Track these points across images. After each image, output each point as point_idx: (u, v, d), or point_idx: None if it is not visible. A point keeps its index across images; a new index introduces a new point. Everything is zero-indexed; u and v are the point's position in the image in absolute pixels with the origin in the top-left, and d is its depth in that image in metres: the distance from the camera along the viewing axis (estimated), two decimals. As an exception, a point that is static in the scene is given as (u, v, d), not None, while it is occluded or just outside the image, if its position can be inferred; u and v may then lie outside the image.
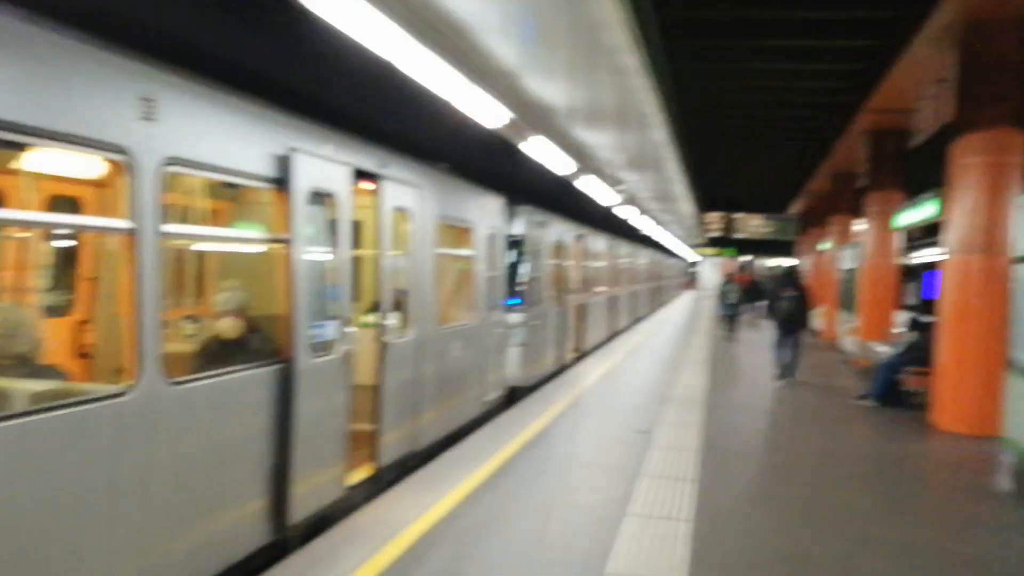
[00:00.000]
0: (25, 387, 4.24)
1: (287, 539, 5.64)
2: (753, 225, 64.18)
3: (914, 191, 15.34)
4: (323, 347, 6.09)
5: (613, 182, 19.15)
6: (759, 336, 21.77)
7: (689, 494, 7.06)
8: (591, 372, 14.82)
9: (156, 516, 4.36)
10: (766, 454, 9.01)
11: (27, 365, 4.64)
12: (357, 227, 7.01)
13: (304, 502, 5.72)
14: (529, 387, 12.76)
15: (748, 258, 60.73)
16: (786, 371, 14.47)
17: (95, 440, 3.96)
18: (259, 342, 5.92)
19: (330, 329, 6.25)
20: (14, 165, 5.08)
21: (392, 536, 5.75)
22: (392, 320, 7.37)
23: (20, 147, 3.96)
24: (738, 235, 60.43)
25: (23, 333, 4.70)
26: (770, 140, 21.65)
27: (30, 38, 3.71)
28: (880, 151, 17.25)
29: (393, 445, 7.33)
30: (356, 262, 6.91)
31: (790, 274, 15.42)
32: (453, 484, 7.08)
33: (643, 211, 27.27)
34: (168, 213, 4.58)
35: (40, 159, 5.15)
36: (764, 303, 17.24)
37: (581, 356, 17.38)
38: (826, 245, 25.97)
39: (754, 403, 12.66)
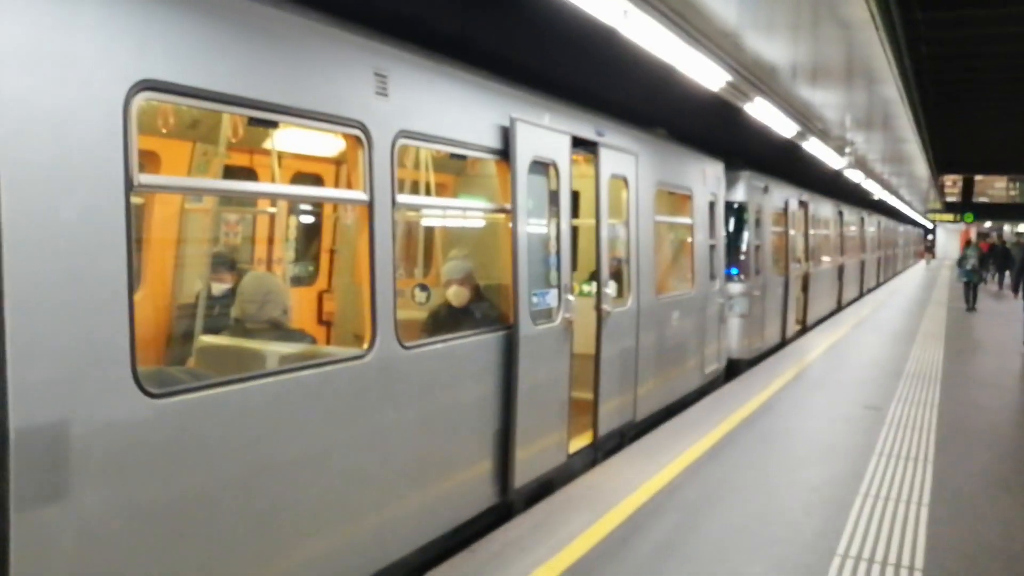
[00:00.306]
0: (277, 349, 4.57)
1: (511, 503, 5.77)
2: (996, 188, 59.06)
3: None
4: (545, 315, 6.15)
5: (839, 144, 18.11)
6: (1004, 307, 19.97)
7: (925, 476, 6.60)
8: (816, 345, 14.17)
9: (392, 473, 4.57)
10: (1013, 436, 8.24)
11: (279, 329, 5.00)
12: (576, 196, 7.03)
13: (527, 467, 5.82)
14: (750, 360, 12.37)
15: (989, 224, 56.00)
16: None
17: (338, 398, 4.19)
18: (484, 309, 6.07)
19: (551, 297, 6.31)
20: (266, 144, 5.45)
21: (613, 504, 5.75)
22: (610, 289, 7.32)
23: (271, 125, 4.21)
24: (979, 199, 55.79)
25: (275, 299, 5.05)
26: (1018, 93, 19.66)
27: (277, 20, 3.92)
28: None
29: (611, 415, 7.31)
30: (575, 231, 6.93)
31: None
32: (674, 455, 6.98)
33: (871, 175, 25.67)
34: (400, 186, 4.75)
35: (286, 138, 5.49)
36: (1009, 271, 15.86)
37: (805, 329, 16.64)
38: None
39: (998, 380, 11.64)
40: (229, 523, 3.57)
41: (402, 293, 6.90)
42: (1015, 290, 15.44)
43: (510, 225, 5.72)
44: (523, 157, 5.77)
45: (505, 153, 5.67)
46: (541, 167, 6.19)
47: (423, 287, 7.04)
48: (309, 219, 7.48)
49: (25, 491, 2.74)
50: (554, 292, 6.35)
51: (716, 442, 7.45)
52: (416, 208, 6.90)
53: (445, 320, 6.07)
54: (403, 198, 4.87)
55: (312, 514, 4.03)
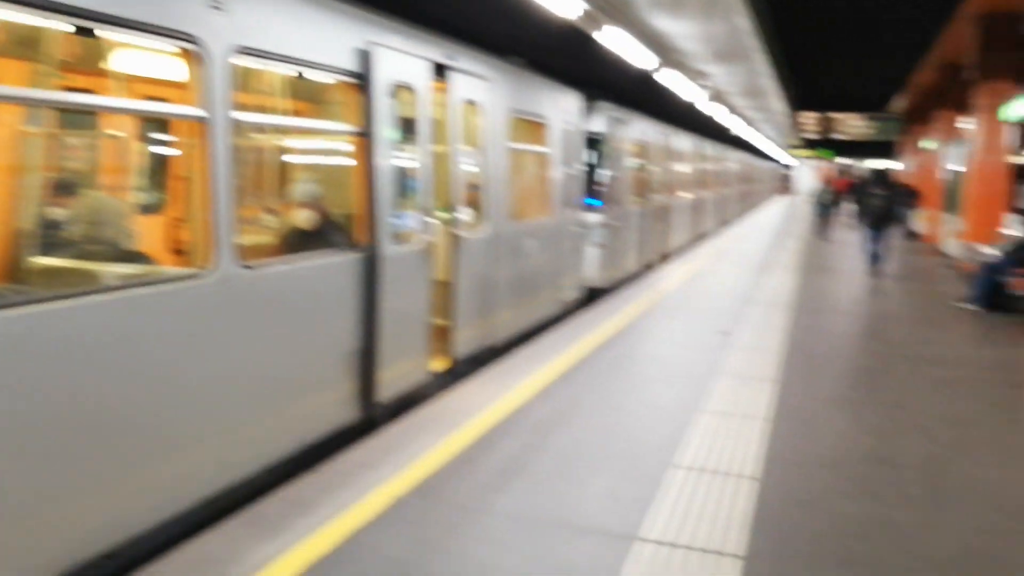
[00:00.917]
0: (110, 270, 4.40)
1: (375, 418, 5.93)
2: (852, 126, 61.72)
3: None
4: (405, 237, 6.27)
5: (697, 77, 18.47)
6: (856, 238, 21.12)
7: (769, 394, 6.90)
8: (674, 275, 14.59)
9: (239, 390, 4.53)
10: (856, 357, 8.73)
11: (115, 251, 4.81)
12: (434, 124, 6.94)
13: (390, 385, 6.01)
14: (609, 289, 12.63)
15: (847, 161, 58.57)
16: (876, 266, 15.43)
17: (178, 318, 4.09)
18: (336, 232, 5.97)
19: (411, 220, 6.44)
20: (103, 65, 5.16)
21: (464, 425, 5.79)
22: (465, 215, 7.29)
23: (91, 35, 3.98)
24: (836, 136, 58.19)
25: (111, 221, 4.85)
26: (869, 30, 20.46)
27: None
28: (991, 37, 16.11)
29: (467, 340, 7.34)
30: (437, 158, 6.87)
31: (880, 174, 16.55)
32: (527, 378, 7.08)
33: (730, 109, 26.38)
34: (247, 108, 4.64)
35: (124, 60, 5.21)
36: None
37: (665, 259, 17.10)
38: (930, 144, 24.77)
39: (846, 307, 12.30)
40: (69, 441, 3.48)
41: (254, 219, 6.79)
42: (858, 218, 16.68)
43: (366, 148, 5.66)
44: (382, 81, 5.76)
45: (363, 76, 5.62)
46: (399, 91, 6.16)
47: (272, 211, 6.85)
48: (155, 145, 7.15)
49: None
50: (414, 215, 6.45)
51: (570, 366, 7.58)
52: (261, 129, 6.68)
53: (295, 243, 5.93)
54: (243, 115, 4.72)
55: (154, 433, 3.95)
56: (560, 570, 3.80)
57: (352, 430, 5.73)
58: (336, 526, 4.16)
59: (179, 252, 6.87)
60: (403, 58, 6.18)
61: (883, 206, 15.44)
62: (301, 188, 6.22)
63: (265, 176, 7.46)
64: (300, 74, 5.47)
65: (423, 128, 6.55)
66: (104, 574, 3.77)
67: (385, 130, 5.90)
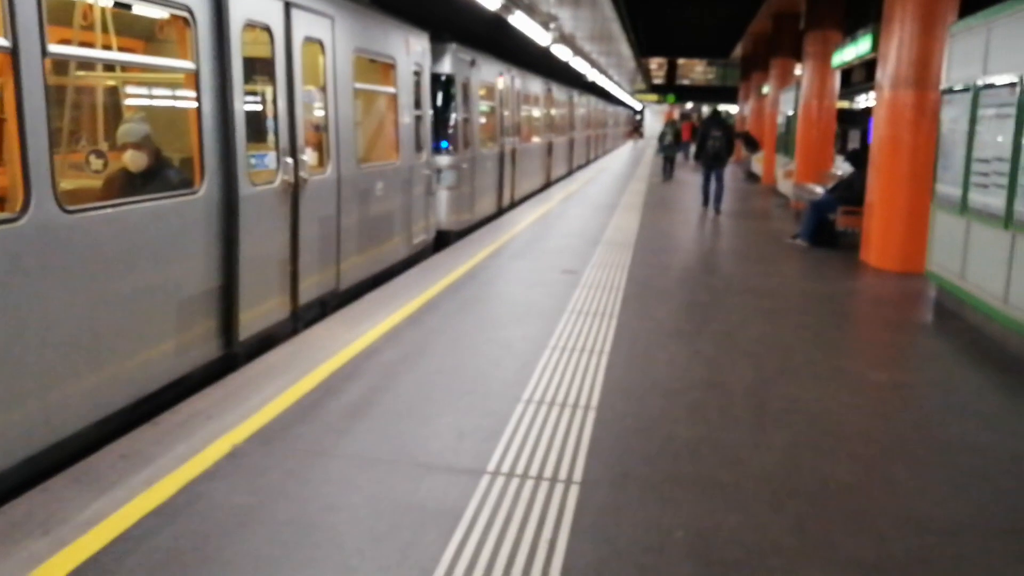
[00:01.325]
0: None
1: (236, 355, 6.00)
2: (697, 71, 63.49)
3: (853, 30, 15.13)
4: (263, 177, 6.34)
5: (544, 20, 18.52)
6: (696, 178, 21.88)
7: (609, 329, 7.11)
8: (524, 218, 14.73)
9: (74, 335, 4.34)
10: (691, 292, 9.07)
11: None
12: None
13: (250, 324, 6.08)
14: (460, 232, 12.64)
15: (691, 105, 60.37)
16: (711, 203, 16.33)
17: None
18: (173, 173, 5.70)
19: (270, 159, 6.56)
20: None
21: (309, 370, 5.70)
22: (307, 157, 7.10)
23: None
24: (682, 82, 59.75)
25: None
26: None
27: None
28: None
29: (312, 284, 7.20)
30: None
31: (716, 116, 17.25)
32: (375, 322, 7.03)
33: (578, 53, 26.62)
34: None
35: None
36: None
37: (515, 203, 17.23)
38: (767, 89, 25.81)
39: (685, 245, 12.76)
40: None
41: (82, 165, 6.45)
42: (696, 159, 17.55)
43: (223, 88, 5.67)
44: (236, 19, 5.79)
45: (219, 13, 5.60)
46: (253, 30, 6.19)
47: (98, 153, 6.48)
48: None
49: None
50: (273, 155, 6.54)
51: (418, 308, 7.58)
52: (85, 64, 6.30)
53: (125, 185, 5.62)
54: (58, 48, 4.40)
55: None
56: (407, 507, 3.82)
57: (215, 367, 5.78)
58: (172, 478, 4.03)
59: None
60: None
61: (718, 147, 16.23)
62: (128, 128, 5.87)
63: (99, 117, 7.05)
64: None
65: (279, 68, 6.54)
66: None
67: (238, 69, 5.84)
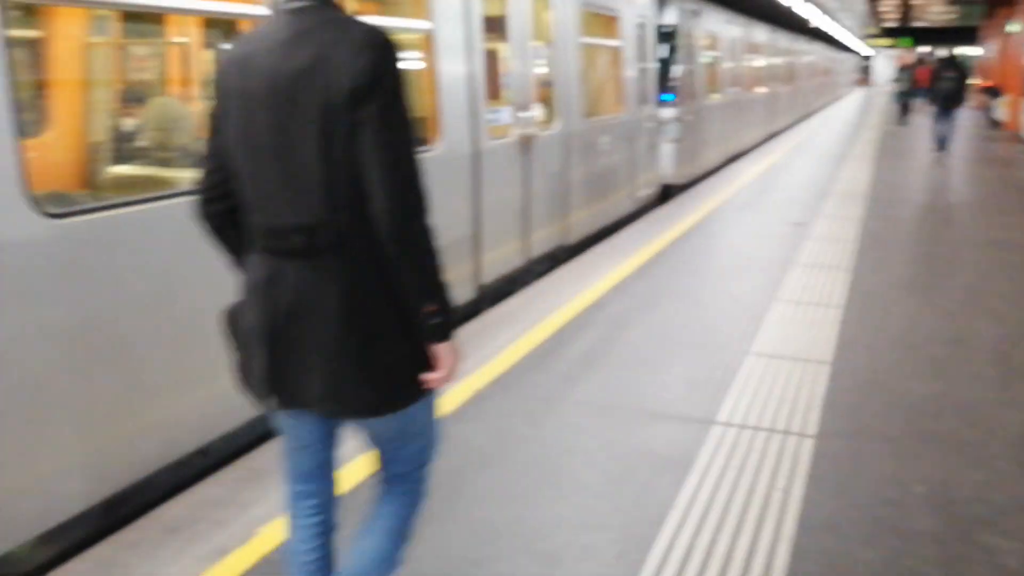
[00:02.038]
0: (191, 176, 4.51)
1: (481, 298, 6.44)
2: (932, 12, 58.82)
3: None
4: (499, 131, 6.71)
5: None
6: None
7: (842, 283, 6.88)
8: (749, 169, 14.36)
9: None
10: (928, 244, 8.57)
11: (190, 156, 4.93)
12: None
13: (492, 268, 6.54)
14: (685, 185, 12.52)
15: (927, 49, 56.00)
16: (942, 144, 15.94)
17: None
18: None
19: (504, 114, 6.88)
20: None
21: (540, 320, 5.92)
22: (536, 112, 7.30)
23: None
24: (916, 24, 55.51)
25: (183, 127, 4.96)
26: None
27: None
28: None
29: (542, 238, 7.43)
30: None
31: (952, 58, 17.01)
32: (602, 275, 7.16)
33: (809, -2, 25.32)
34: None
35: None
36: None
37: (739, 154, 16.80)
38: (1015, 27, 23.52)
39: (921, 196, 12.01)
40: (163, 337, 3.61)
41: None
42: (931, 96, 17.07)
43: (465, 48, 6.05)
44: None
45: None
46: None
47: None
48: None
49: None
50: (508, 110, 6.90)
51: (645, 261, 7.63)
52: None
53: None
54: None
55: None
56: (639, 452, 3.94)
57: (468, 309, 6.24)
58: (422, 415, 4.35)
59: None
60: None
61: (953, 88, 15.95)
62: None
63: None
64: None
65: (515, 25, 6.88)
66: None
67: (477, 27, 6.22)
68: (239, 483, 3.71)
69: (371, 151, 1.97)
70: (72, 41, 5.32)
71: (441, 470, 3.73)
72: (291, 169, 2.04)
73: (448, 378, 2.19)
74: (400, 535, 2.40)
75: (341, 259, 2.06)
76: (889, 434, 4.12)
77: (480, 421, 4.31)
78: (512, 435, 4.15)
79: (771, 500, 3.51)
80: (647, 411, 4.42)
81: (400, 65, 2.03)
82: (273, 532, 3.23)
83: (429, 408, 2.35)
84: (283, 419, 2.31)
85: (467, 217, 6.15)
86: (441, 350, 2.14)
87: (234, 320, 2.24)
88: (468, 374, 4.92)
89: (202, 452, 3.96)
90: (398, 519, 2.39)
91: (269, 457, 3.90)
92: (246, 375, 2.24)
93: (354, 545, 2.38)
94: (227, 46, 2.28)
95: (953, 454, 3.91)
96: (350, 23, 2.04)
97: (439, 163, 5.77)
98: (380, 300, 2.09)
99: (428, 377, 2.17)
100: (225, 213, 2.23)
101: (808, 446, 3.99)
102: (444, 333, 2.13)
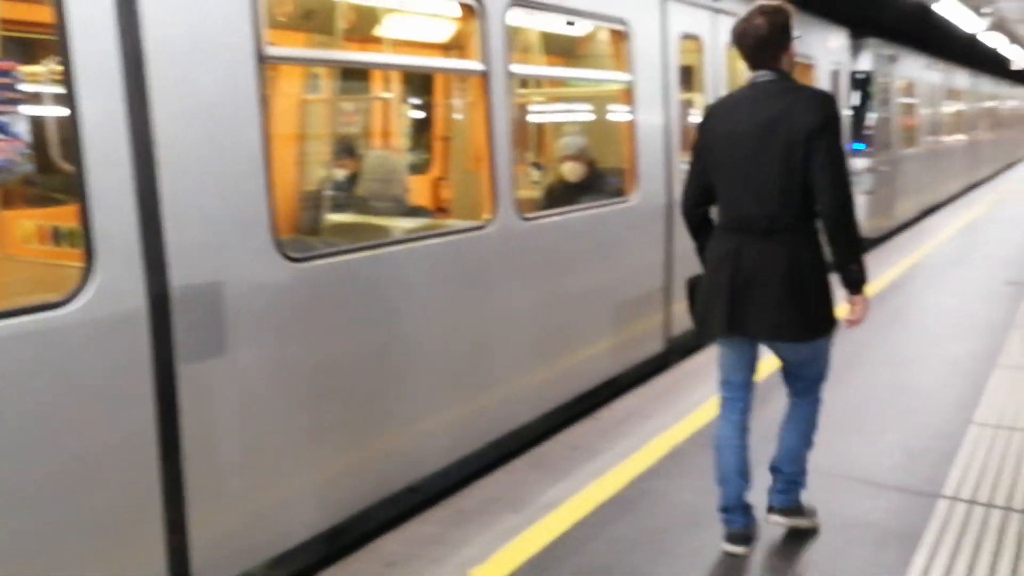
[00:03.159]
0: (403, 224, 4.66)
1: (670, 352, 6.30)
2: None
3: None
4: None
5: (976, 4, 16.81)
6: None
7: (1074, 347, 6.26)
8: (950, 223, 13.50)
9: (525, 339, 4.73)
10: None
11: (401, 206, 5.09)
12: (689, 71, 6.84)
13: (679, 321, 6.22)
14: (879, 238, 11.89)
15: None
16: None
17: (467, 261, 4.28)
18: (603, 182, 6.00)
19: None
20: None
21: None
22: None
23: None
24: None
25: (397, 179, 5.13)
26: None
27: None
28: None
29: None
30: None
31: None
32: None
33: (1014, 39, 23.84)
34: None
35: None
36: None
37: (938, 207, 15.84)
38: None
39: None
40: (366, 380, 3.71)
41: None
42: None
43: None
44: (673, 33, 6.13)
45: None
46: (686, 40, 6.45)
47: (537, 165, 7.01)
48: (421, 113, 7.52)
49: (189, 346, 2.89)
50: None
51: (843, 317, 7.21)
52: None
53: (562, 194, 6.01)
54: (518, 68, 4.84)
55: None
56: (862, 524, 3.65)
57: (658, 361, 6.17)
58: (619, 471, 4.22)
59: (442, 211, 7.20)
60: (689, 9, 6.42)
61: None
62: (569, 142, 6.25)
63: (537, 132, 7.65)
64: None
65: (709, 76, 6.77)
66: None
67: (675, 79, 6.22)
68: (448, 523, 3.69)
69: (820, 169, 3.13)
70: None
71: (647, 527, 3.60)
72: (760, 180, 3.21)
73: (861, 320, 3.43)
74: (811, 427, 3.58)
75: (788, 238, 3.22)
76: None
77: (683, 477, 4.14)
78: (715, 493, 3.93)
79: (1014, 587, 3.15)
80: (867, 480, 4.11)
81: (840, 116, 3.20)
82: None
83: (829, 344, 3.51)
84: (726, 350, 3.50)
85: (660, 268, 6.01)
86: (858, 299, 3.38)
87: (695, 285, 3.56)
88: (665, 428, 4.75)
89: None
90: (807, 422, 3.57)
91: (474, 500, 3.89)
92: (705, 320, 3.44)
93: (781, 441, 3.59)
94: (712, 103, 3.58)
95: None
96: (803, 88, 3.38)
97: (634, 214, 5.68)
98: (810, 266, 3.26)
99: (847, 317, 3.41)
100: (702, 215, 3.52)
101: (1051, 529, 3.58)
102: (861, 286, 3.33)
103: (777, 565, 3.35)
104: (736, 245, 3.27)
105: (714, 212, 3.49)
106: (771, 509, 3.57)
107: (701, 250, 3.54)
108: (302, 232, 5.95)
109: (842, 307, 3.35)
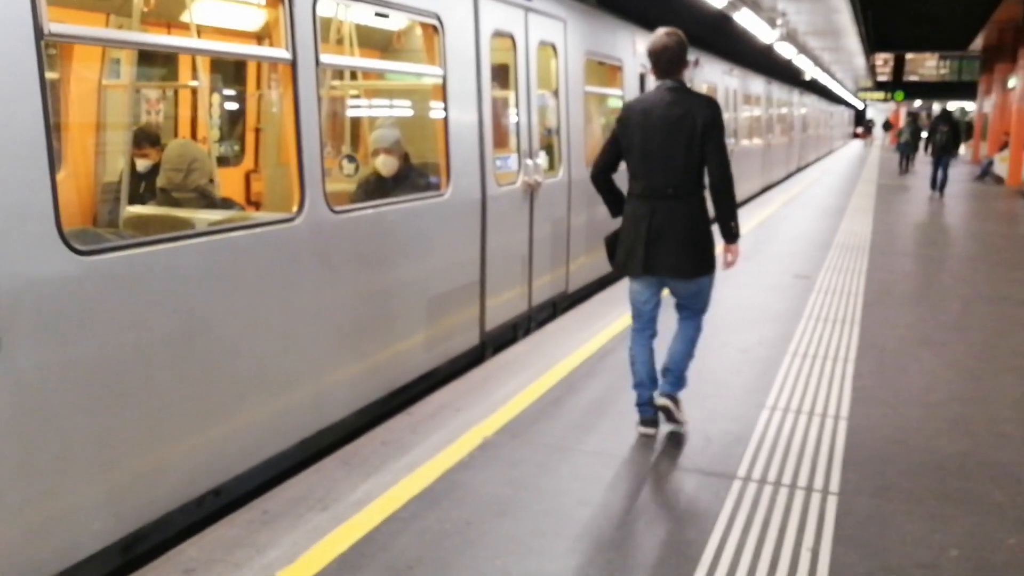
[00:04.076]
0: (206, 216, 4.46)
1: (485, 343, 6.34)
2: (927, 67, 59.76)
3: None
4: (506, 178, 6.66)
5: (770, 16, 17.97)
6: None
7: (852, 336, 6.79)
8: (746, 221, 14.33)
9: (332, 333, 4.61)
10: (938, 298, 8.49)
11: (205, 198, 4.87)
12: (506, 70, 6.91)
13: (496, 314, 6.44)
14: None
15: (919, 103, 56.83)
16: (935, 185, 19.09)
17: (274, 255, 4.14)
18: (416, 177, 5.94)
19: (511, 161, 6.86)
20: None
21: (548, 368, 5.81)
22: (541, 160, 7.25)
23: None
24: (910, 78, 56.30)
25: (199, 168, 4.91)
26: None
27: None
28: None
29: (544, 285, 7.33)
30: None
31: (945, 114, 21.36)
32: (606, 322, 7.05)
33: (803, 50, 25.64)
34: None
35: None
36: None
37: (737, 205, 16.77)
38: (1014, 82, 23.81)
39: (925, 249, 11.99)
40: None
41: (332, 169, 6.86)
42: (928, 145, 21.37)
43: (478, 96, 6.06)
44: (485, 30, 6.12)
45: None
46: (497, 39, 6.44)
47: (351, 158, 6.90)
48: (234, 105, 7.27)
49: None
50: (515, 157, 6.86)
51: (722, 261, 7.51)
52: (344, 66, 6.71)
53: (375, 188, 5.93)
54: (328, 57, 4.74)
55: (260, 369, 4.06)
56: (661, 505, 3.81)
57: (473, 354, 6.21)
58: (431, 466, 4.21)
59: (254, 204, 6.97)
60: (501, 6, 6.44)
61: (945, 140, 19.35)
62: (382, 134, 6.18)
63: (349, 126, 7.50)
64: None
65: (522, 75, 6.83)
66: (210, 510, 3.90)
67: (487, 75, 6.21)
68: (253, 525, 3.57)
69: (712, 152, 4.39)
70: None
71: (455, 519, 3.62)
72: (668, 159, 4.38)
73: (734, 263, 4.69)
74: (692, 344, 4.76)
75: (686, 201, 4.42)
76: (916, 493, 3.99)
77: (490, 469, 4.18)
78: (525, 484, 4.01)
79: (799, 558, 3.38)
80: (663, 463, 4.29)
81: (722, 115, 4.47)
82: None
83: (711, 281, 4.66)
84: (639, 287, 4.63)
85: (474, 263, 6.05)
86: (733, 248, 4.64)
87: (614, 238, 4.70)
88: (477, 421, 4.79)
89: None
90: (690, 340, 4.75)
91: (281, 500, 3.78)
92: (627, 262, 4.56)
93: (670, 349, 4.75)
94: (630, 100, 4.79)
95: (985, 516, 3.78)
96: (697, 94, 4.57)
97: (448, 208, 5.69)
98: (701, 221, 4.48)
99: (726, 261, 4.67)
100: (605, 179, 4.76)
101: (832, 504, 3.86)
102: (736, 238, 4.59)
103: (588, 549, 3.43)
104: (651, 207, 4.44)
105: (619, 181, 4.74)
106: (661, 394, 4.68)
107: (610, 204, 4.80)
108: (100, 224, 5.62)
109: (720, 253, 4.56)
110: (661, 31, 4.53)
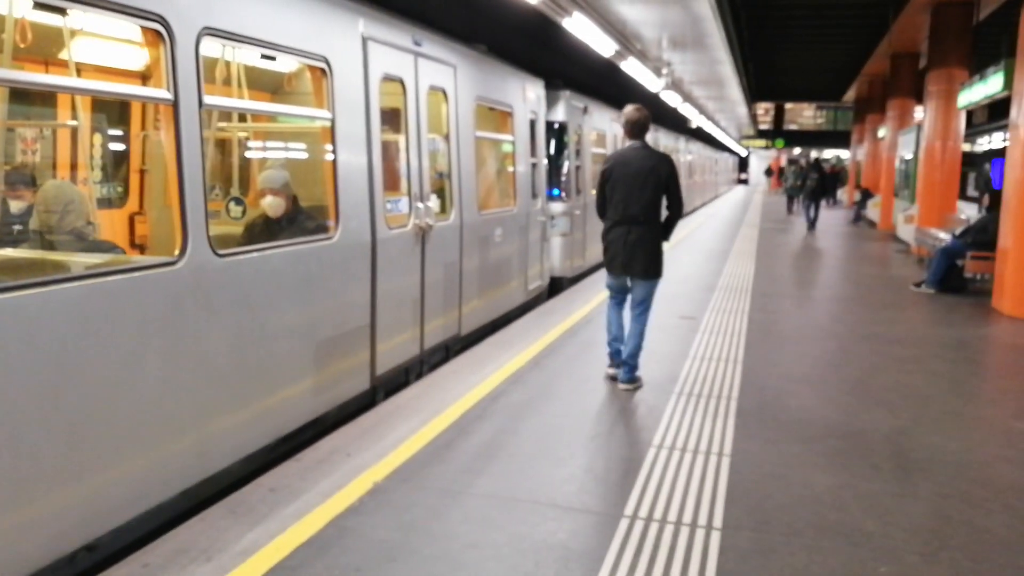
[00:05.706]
0: (82, 260, 4.31)
1: (376, 388, 6.33)
2: (805, 116, 62.67)
3: (980, 69, 14.65)
4: (397, 221, 6.67)
5: (656, 66, 18.61)
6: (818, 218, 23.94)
7: (735, 374, 7.01)
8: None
9: (215, 379, 4.48)
10: (815, 338, 8.85)
11: (82, 240, 4.72)
12: (397, 114, 6.95)
13: (387, 358, 6.42)
14: (573, 278, 12.69)
15: (798, 151, 59.54)
16: (810, 225, 23.03)
17: (154, 300, 4.02)
18: (305, 219, 5.88)
19: (402, 204, 6.88)
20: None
21: (439, 411, 5.80)
22: (432, 204, 7.29)
23: None
24: (789, 126, 58.99)
25: (75, 210, 4.75)
26: (824, 19, 20.71)
27: None
28: (943, 24, 16.46)
29: (436, 328, 7.33)
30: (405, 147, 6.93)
31: (816, 162, 26.08)
32: (498, 365, 7.10)
33: (688, 98, 26.61)
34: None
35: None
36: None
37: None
38: (883, 132, 25.21)
39: (805, 291, 12.48)
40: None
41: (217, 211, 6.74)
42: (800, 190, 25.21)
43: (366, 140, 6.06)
44: (374, 74, 6.19)
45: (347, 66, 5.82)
46: (388, 82, 6.49)
47: (238, 200, 6.81)
48: (119, 145, 7.08)
49: None
50: (406, 200, 6.88)
51: (538, 352, 7.62)
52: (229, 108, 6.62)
53: (264, 231, 5.84)
54: (212, 99, 4.67)
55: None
56: (550, 546, 3.83)
57: (364, 399, 6.18)
58: (320, 512, 4.14)
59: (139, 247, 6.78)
60: (391, 51, 6.49)
61: (814, 185, 23.32)
62: (270, 175, 6.11)
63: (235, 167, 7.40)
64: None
65: (411, 117, 6.88)
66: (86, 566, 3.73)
67: (376, 118, 6.23)
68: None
69: (671, 193, 6.47)
70: None
71: (344, 565, 3.56)
72: (639, 197, 6.36)
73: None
74: (643, 337, 6.56)
75: (649, 226, 6.42)
76: (794, 526, 4.13)
77: (381, 514, 4.13)
78: (416, 529, 3.98)
79: (683, 595, 3.44)
80: (553, 504, 4.33)
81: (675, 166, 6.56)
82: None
83: (656, 287, 6.60)
84: (616, 282, 6.63)
85: (364, 306, 6.02)
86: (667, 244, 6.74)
87: (606, 249, 6.58)
88: (367, 466, 4.74)
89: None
90: (640, 334, 6.55)
91: (162, 552, 3.64)
92: (611, 266, 6.54)
93: (625, 344, 6.56)
94: (612, 154, 6.73)
95: (859, 546, 3.94)
96: (659, 152, 6.71)
97: (337, 251, 5.66)
98: (657, 241, 6.49)
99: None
100: (604, 212, 6.63)
101: (716, 539, 3.96)
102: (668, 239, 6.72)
103: (471, 593, 3.42)
104: (626, 229, 6.40)
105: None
106: (620, 382, 6.51)
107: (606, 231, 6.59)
108: None
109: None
110: (631, 107, 6.60)
